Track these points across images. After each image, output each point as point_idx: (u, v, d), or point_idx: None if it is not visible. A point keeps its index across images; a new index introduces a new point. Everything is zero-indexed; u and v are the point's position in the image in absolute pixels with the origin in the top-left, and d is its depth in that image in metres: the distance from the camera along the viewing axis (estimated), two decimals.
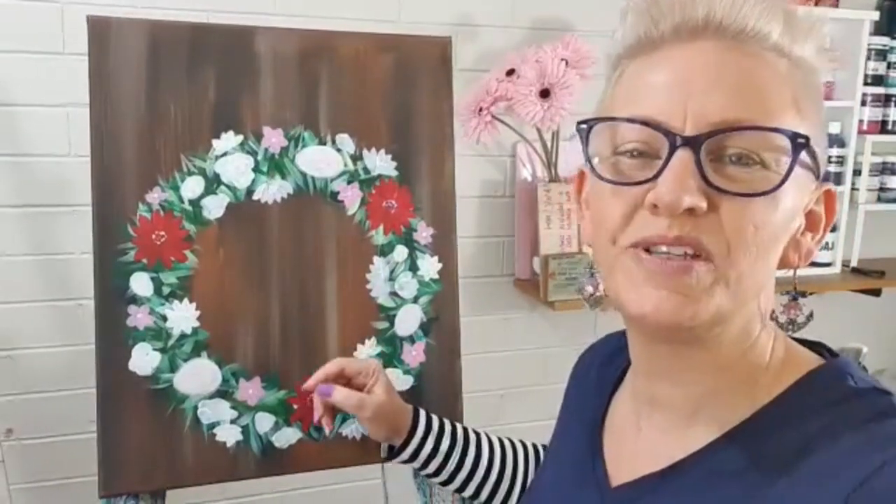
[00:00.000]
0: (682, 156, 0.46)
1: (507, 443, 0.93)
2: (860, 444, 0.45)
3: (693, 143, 0.46)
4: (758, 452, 0.49)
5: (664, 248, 0.47)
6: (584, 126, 0.52)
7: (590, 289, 0.59)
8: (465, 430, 0.91)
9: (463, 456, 0.88)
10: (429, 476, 0.90)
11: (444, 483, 0.90)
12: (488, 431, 0.93)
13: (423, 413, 0.90)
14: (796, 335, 0.57)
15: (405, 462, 0.90)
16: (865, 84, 1.86)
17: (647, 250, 0.48)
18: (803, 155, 0.47)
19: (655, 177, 0.47)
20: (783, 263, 0.51)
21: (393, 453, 0.91)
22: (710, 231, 0.46)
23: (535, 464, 0.92)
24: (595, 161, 0.51)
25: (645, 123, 0.48)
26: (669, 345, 0.53)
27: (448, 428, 0.90)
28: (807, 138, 0.46)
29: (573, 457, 0.65)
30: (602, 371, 0.69)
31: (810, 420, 0.49)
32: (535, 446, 0.94)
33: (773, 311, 0.54)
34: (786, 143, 0.46)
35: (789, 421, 0.49)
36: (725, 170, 0.47)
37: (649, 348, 0.56)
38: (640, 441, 0.58)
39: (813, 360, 0.54)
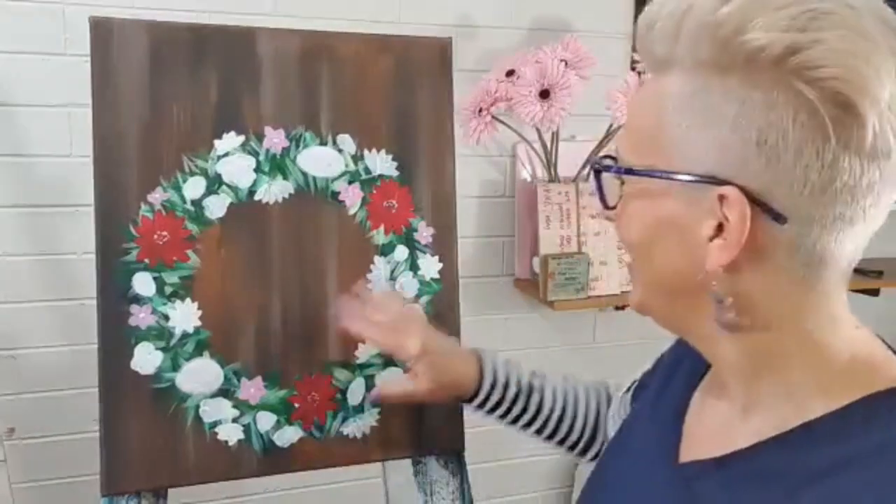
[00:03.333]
0: None
1: (569, 384, 0.93)
2: (881, 480, 0.45)
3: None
4: (804, 459, 0.49)
5: None
6: None
7: None
8: (531, 376, 0.91)
9: (526, 405, 0.89)
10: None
11: (511, 423, 0.92)
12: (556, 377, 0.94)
13: (487, 371, 0.89)
14: None
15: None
16: None
17: None
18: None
19: None
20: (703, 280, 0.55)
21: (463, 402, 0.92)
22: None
23: (604, 397, 0.92)
24: None
25: None
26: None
27: (514, 376, 0.90)
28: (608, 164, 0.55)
29: (660, 423, 0.66)
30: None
31: (858, 438, 0.48)
32: (603, 384, 0.94)
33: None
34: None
35: (839, 435, 0.49)
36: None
37: None
38: (715, 422, 0.59)
39: (888, 373, 0.52)
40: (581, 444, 0.91)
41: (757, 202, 0.47)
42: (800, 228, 0.47)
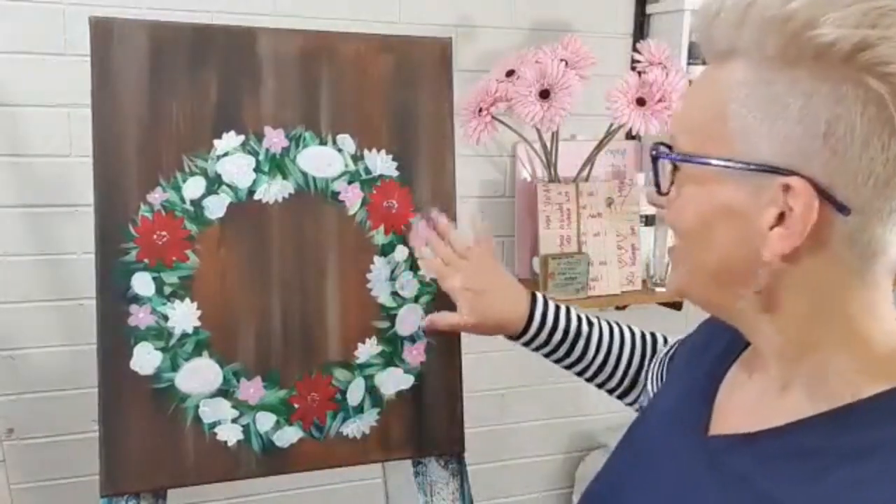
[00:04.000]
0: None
1: (616, 332, 0.97)
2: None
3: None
4: (835, 441, 0.50)
5: None
6: None
7: None
8: (579, 320, 0.95)
9: (570, 350, 0.94)
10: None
11: (555, 362, 0.97)
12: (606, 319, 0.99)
13: (537, 314, 0.94)
14: None
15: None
16: None
17: None
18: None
19: None
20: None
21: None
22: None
23: (649, 350, 0.96)
24: None
25: None
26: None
27: (562, 323, 0.94)
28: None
29: (689, 395, 0.67)
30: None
31: (889, 426, 0.49)
32: (651, 336, 0.98)
33: None
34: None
35: (871, 421, 0.50)
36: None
37: None
38: (742, 400, 0.60)
39: None
40: (620, 390, 0.96)
41: (822, 193, 0.48)
42: (860, 220, 0.48)
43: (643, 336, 0.97)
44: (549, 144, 1.61)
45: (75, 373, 1.50)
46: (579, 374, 0.97)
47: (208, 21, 1.44)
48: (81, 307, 1.49)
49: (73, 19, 1.41)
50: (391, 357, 1.00)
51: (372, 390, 0.99)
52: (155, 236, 0.91)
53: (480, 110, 1.49)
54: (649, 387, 0.88)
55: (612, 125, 1.54)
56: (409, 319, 1.00)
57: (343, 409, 0.98)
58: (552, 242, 1.61)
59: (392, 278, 1.00)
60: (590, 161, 1.64)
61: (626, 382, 0.95)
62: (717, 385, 0.65)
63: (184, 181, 0.92)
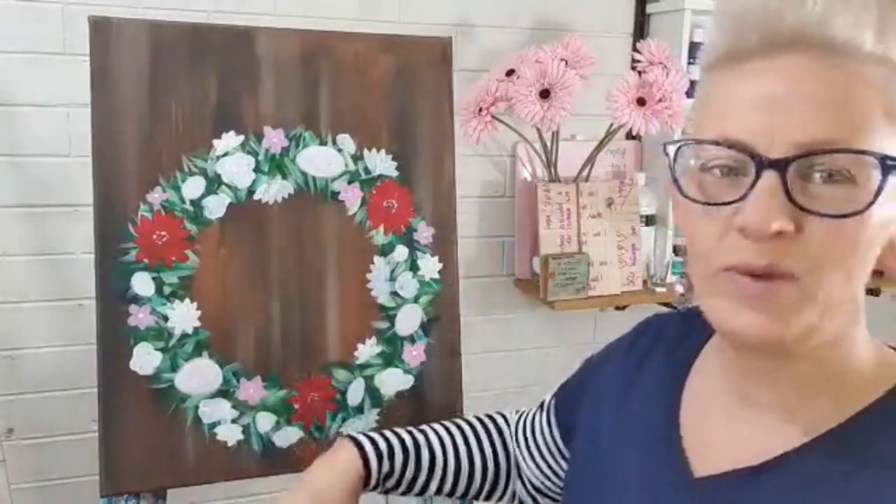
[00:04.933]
0: (769, 178, 0.46)
1: (456, 433, 0.87)
2: None
3: (779, 165, 0.46)
4: (861, 456, 0.50)
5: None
6: (672, 146, 0.52)
7: (680, 288, 0.61)
8: (411, 433, 0.85)
9: (418, 463, 0.83)
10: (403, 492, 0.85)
11: (419, 493, 0.85)
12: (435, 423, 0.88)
13: (369, 452, 0.81)
14: None
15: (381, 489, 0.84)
16: None
17: (739, 271, 0.49)
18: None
19: (742, 198, 0.47)
20: (882, 269, 0.51)
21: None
22: (799, 253, 0.47)
23: (500, 440, 0.88)
24: (682, 181, 0.52)
25: (731, 146, 0.48)
26: (764, 357, 0.54)
27: (393, 440, 0.83)
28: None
29: (647, 436, 0.64)
30: (672, 354, 0.67)
31: None
32: (492, 420, 0.89)
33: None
34: (875, 160, 0.46)
35: (889, 426, 0.50)
36: (814, 188, 0.46)
37: (744, 357, 0.56)
38: (732, 433, 0.57)
39: None
40: (494, 484, 0.86)
41: None
42: None
43: (481, 421, 0.88)
44: (549, 144, 1.61)
45: (75, 373, 1.50)
46: (445, 489, 0.85)
47: (208, 21, 1.43)
48: (81, 307, 1.49)
49: (72, 19, 1.41)
50: (391, 357, 1.00)
51: (371, 390, 0.99)
52: (155, 236, 0.91)
53: (480, 110, 1.48)
54: (521, 459, 0.84)
55: (612, 125, 1.54)
56: (409, 320, 1.00)
57: (343, 410, 0.98)
58: (552, 242, 1.61)
59: (392, 278, 1.00)
60: (590, 161, 1.63)
61: (490, 472, 0.85)
62: (677, 418, 0.62)
63: (183, 181, 0.92)
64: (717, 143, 0.49)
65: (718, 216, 0.49)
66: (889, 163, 0.45)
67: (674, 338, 0.69)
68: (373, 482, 0.81)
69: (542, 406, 0.84)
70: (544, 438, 0.82)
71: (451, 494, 0.86)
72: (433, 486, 0.84)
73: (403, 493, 0.84)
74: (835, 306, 0.49)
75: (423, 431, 0.86)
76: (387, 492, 0.83)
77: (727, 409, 0.58)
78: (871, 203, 0.45)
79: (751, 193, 0.46)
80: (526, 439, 0.84)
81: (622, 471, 0.64)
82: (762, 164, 0.46)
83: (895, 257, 0.50)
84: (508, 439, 0.87)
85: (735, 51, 0.50)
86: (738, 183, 0.48)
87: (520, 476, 0.85)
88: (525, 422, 0.86)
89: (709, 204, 0.49)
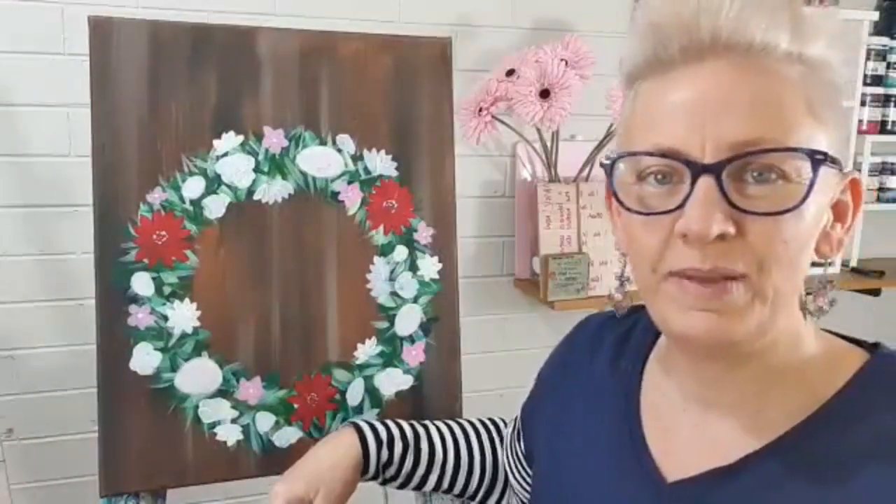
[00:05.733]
0: (705, 183, 0.47)
1: (457, 429, 0.88)
2: None
3: (713, 169, 0.47)
4: (838, 444, 0.50)
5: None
6: (608, 161, 0.53)
7: (619, 296, 0.61)
8: (413, 425, 0.87)
9: (417, 454, 0.84)
10: (399, 485, 0.86)
11: (417, 487, 0.86)
12: (438, 421, 0.89)
13: (369, 438, 0.82)
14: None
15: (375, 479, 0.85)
16: (865, 84, 1.87)
17: (686, 276, 0.50)
18: (826, 163, 0.47)
19: (682, 205, 0.48)
20: (816, 255, 0.52)
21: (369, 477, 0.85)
22: (741, 253, 0.48)
23: (494, 433, 0.89)
24: (621, 193, 0.53)
25: (663, 155, 0.49)
26: (717, 360, 0.54)
27: (394, 430, 0.85)
28: (825, 154, 0.47)
29: (607, 447, 0.63)
30: (618, 361, 0.67)
31: (887, 408, 0.50)
32: (491, 423, 0.91)
33: (804, 300, 0.55)
34: (805, 155, 0.47)
35: (864, 411, 0.51)
36: (748, 189, 0.48)
37: (697, 363, 0.57)
38: (699, 437, 0.57)
39: (853, 349, 0.56)
40: (484, 486, 0.87)
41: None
42: None
43: (481, 422, 0.90)
44: (549, 144, 1.61)
45: (75, 373, 1.50)
46: (438, 483, 0.85)
47: (208, 21, 1.43)
48: (81, 307, 1.49)
49: (72, 19, 1.41)
50: (390, 357, 1.00)
51: (371, 391, 0.99)
52: (154, 236, 0.91)
53: (480, 110, 1.48)
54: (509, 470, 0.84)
55: (612, 125, 1.54)
56: (408, 320, 1.00)
57: (342, 410, 0.98)
58: (552, 242, 1.61)
59: (391, 278, 1.00)
60: (590, 161, 1.63)
61: (489, 472, 0.86)
62: (639, 425, 0.62)
63: (183, 181, 0.92)
64: (650, 154, 0.50)
65: (660, 225, 0.50)
66: (818, 157, 0.47)
67: (613, 344, 0.69)
68: (371, 469, 0.82)
69: (514, 424, 0.84)
70: (516, 454, 0.82)
71: (449, 490, 0.87)
72: (432, 479, 0.85)
73: (402, 486, 0.85)
74: (784, 300, 0.50)
75: (424, 426, 0.87)
76: (386, 482, 0.84)
77: (690, 416, 0.58)
78: (806, 197, 0.47)
79: (689, 200, 0.48)
80: (509, 455, 0.85)
81: (589, 484, 0.64)
82: (697, 170, 0.47)
83: (827, 243, 0.52)
84: (498, 446, 0.88)
85: (658, 60, 0.51)
86: (675, 190, 0.49)
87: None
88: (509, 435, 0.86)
89: (649, 214, 0.51)
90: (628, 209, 0.52)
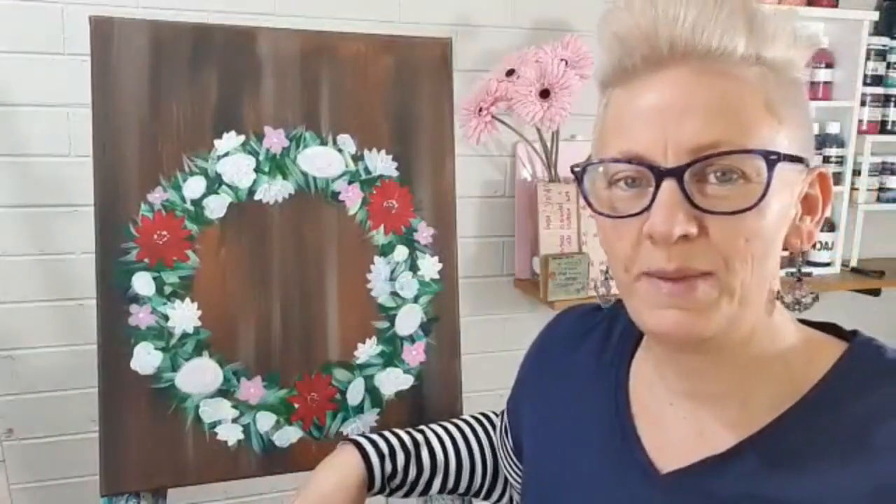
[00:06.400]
0: (668, 186, 0.49)
1: (454, 430, 0.88)
2: None
3: (675, 173, 0.49)
4: (824, 431, 0.52)
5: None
6: (578, 169, 0.56)
7: (603, 290, 0.63)
8: (410, 433, 0.86)
9: (419, 461, 0.84)
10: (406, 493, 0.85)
11: (422, 493, 0.86)
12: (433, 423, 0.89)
13: (370, 452, 0.82)
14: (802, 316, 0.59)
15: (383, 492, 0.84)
16: (865, 84, 1.87)
17: (656, 276, 0.52)
18: (782, 161, 0.49)
19: (648, 208, 0.50)
20: (787, 248, 0.55)
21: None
22: (706, 251, 0.50)
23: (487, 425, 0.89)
24: (592, 199, 0.55)
25: (630, 160, 0.52)
26: (694, 354, 0.56)
27: (393, 440, 0.84)
28: (779, 154, 0.49)
29: (596, 440, 0.64)
30: (603, 354, 0.68)
31: (868, 393, 0.52)
32: (485, 418, 0.91)
33: (779, 292, 0.55)
34: (760, 156, 0.49)
35: (846, 397, 0.53)
36: (712, 189, 0.50)
37: (677, 358, 0.58)
38: (689, 428, 0.58)
39: (831, 339, 0.58)
40: (487, 483, 0.87)
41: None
42: None
43: (475, 419, 0.90)
44: (549, 144, 1.61)
45: (75, 373, 1.50)
46: (443, 485, 0.86)
47: (209, 21, 1.44)
48: (81, 307, 1.49)
49: (72, 19, 1.41)
50: (391, 357, 1.00)
51: (371, 390, 0.99)
52: (155, 236, 0.91)
53: (480, 110, 1.48)
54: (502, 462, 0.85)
55: None
56: (409, 320, 1.01)
57: (343, 409, 0.98)
58: (552, 242, 1.61)
59: (392, 278, 1.00)
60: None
61: (490, 467, 0.86)
62: (630, 418, 0.62)
63: (184, 181, 0.92)
64: (617, 161, 0.53)
65: (629, 227, 0.52)
66: (772, 157, 0.49)
67: (598, 338, 0.71)
68: (377, 483, 0.82)
69: (501, 419, 0.84)
70: (506, 450, 0.83)
71: (454, 491, 0.87)
72: (436, 483, 0.85)
73: (408, 494, 0.85)
74: (751, 295, 0.52)
75: (421, 431, 0.87)
76: (391, 493, 0.84)
77: (677, 409, 0.60)
78: (763, 196, 0.49)
79: (654, 203, 0.50)
80: (500, 451, 0.85)
81: (580, 476, 0.65)
82: (660, 174, 0.50)
83: (797, 236, 0.54)
84: (495, 440, 0.89)
85: (623, 69, 0.54)
86: (642, 194, 0.52)
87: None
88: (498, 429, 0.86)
89: (619, 217, 0.53)
90: (599, 213, 0.54)
